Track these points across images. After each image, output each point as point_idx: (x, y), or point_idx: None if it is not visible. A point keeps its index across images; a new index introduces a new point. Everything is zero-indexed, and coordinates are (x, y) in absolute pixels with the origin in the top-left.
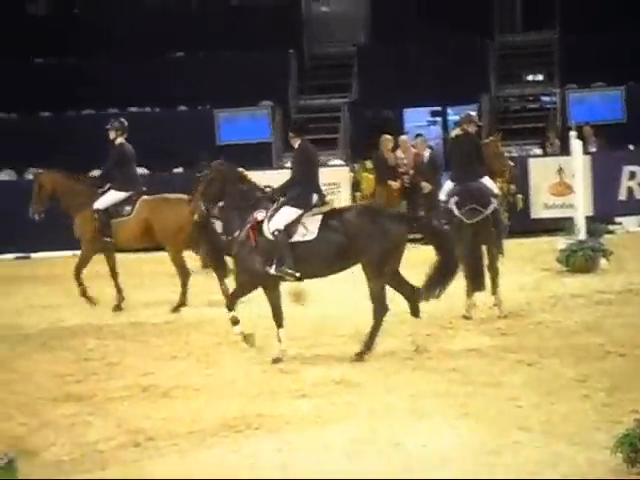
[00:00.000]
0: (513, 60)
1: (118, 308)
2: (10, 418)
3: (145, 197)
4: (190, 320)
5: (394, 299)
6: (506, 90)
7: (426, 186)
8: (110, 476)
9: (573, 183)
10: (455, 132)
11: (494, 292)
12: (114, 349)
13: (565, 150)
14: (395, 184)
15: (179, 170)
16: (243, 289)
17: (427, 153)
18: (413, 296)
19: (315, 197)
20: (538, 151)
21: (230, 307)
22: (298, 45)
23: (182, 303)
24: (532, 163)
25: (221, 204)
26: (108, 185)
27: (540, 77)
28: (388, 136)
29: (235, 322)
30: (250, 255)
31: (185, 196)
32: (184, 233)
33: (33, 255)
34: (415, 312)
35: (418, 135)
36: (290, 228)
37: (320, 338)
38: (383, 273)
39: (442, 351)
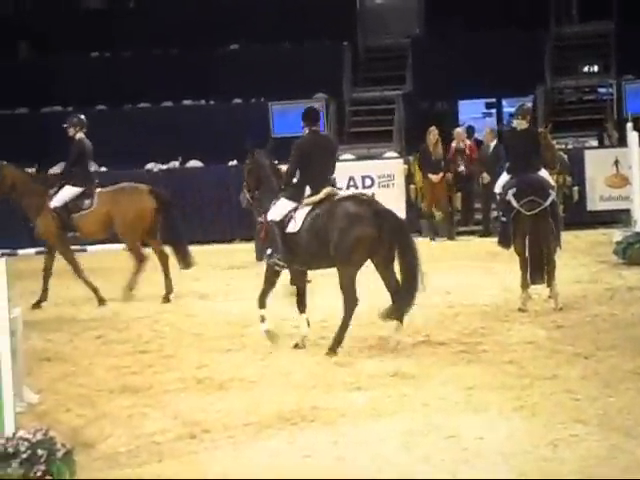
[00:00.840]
0: (569, 51)
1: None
2: (68, 410)
3: (102, 189)
4: (245, 312)
5: (451, 290)
6: (562, 82)
7: (485, 177)
8: (166, 468)
9: (630, 175)
10: (514, 124)
11: (550, 285)
12: (170, 341)
13: (622, 142)
14: (436, 177)
15: (234, 163)
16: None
17: (493, 144)
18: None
19: (307, 189)
20: (594, 143)
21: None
22: (352, 37)
23: (169, 292)
24: (588, 155)
25: (257, 193)
26: (60, 183)
27: (596, 68)
28: (433, 128)
29: (262, 320)
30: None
31: (144, 186)
32: (143, 223)
33: (90, 248)
34: (394, 313)
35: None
36: (285, 220)
37: (375, 330)
38: (350, 262)
39: (498, 344)
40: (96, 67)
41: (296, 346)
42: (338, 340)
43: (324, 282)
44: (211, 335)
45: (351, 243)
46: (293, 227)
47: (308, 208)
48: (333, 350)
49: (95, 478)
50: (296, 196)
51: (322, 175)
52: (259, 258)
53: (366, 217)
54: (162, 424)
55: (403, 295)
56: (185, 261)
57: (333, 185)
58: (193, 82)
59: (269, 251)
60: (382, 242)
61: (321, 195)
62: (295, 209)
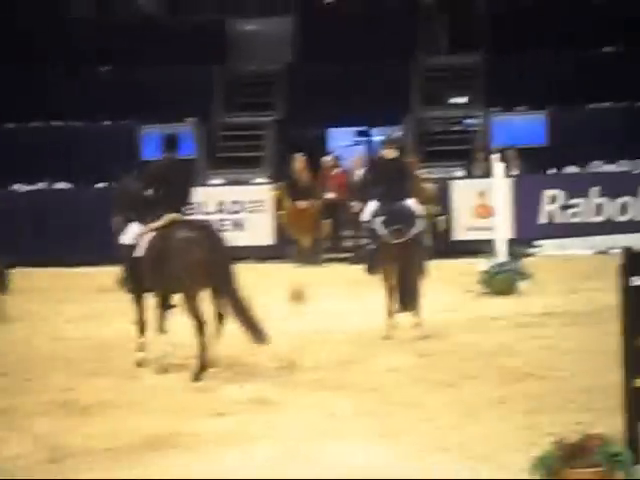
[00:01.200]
0: (437, 82)
1: None
2: None
3: None
4: (111, 337)
5: (317, 317)
6: (430, 112)
7: (356, 205)
8: None
9: (495, 206)
10: (384, 152)
11: (415, 313)
12: (34, 364)
13: (488, 173)
14: (302, 204)
15: (102, 185)
16: None
17: (361, 172)
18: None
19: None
20: (461, 173)
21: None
22: (224, 62)
23: None
24: (454, 185)
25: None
26: None
27: (464, 100)
28: (299, 155)
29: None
30: None
31: None
32: None
33: None
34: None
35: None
36: (135, 244)
37: (240, 355)
38: (186, 288)
39: (362, 371)
40: None
41: (160, 369)
42: (201, 365)
43: None
44: (77, 358)
45: (183, 269)
46: (139, 252)
47: (152, 234)
48: (197, 376)
49: None
50: (146, 220)
51: (172, 201)
52: None
53: (198, 243)
54: (22, 448)
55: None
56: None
57: (183, 212)
58: (62, 103)
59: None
60: (214, 268)
61: (163, 222)
62: (142, 234)
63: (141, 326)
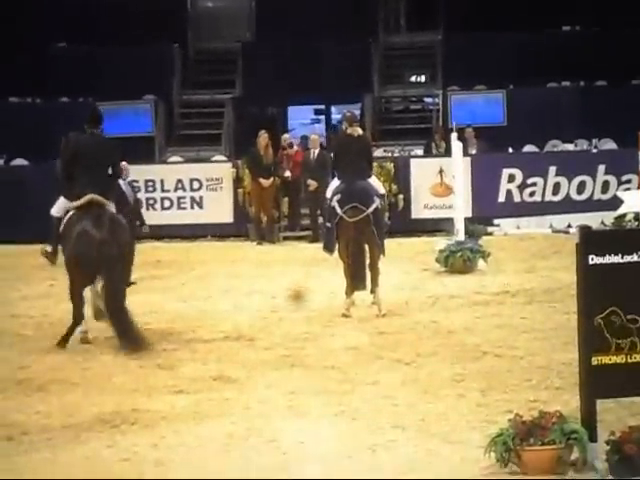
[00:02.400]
0: (396, 60)
1: None
2: None
3: None
4: (66, 313)
5: (276, 295)
6: (389, 90)
7: (312, 184)
8: None
9: (453, 184)
10: (349, 130)
11: (373, 291)
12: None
13: (447, 151)
14: (266, 182)
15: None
16: None
17: (317, 150)
18: None
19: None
20: (420, 151)
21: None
22: (183, 39)
23: None
24: (413, 163)
25: None
26: None
27: (423, 78)
28: (263, 132)
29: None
30: None
31: None
32: None
33: None
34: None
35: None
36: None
37: (199, 334)
38: (70, 273)
39: (321, 349)
40: None
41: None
42: (65, 336)
43: (149, 285)
44: (32, 336)
45: (69, 259)
46: (61, 229)
47: (71, 212)
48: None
49: None
50: (69, 196)
51: (92, 178)
52: None
53: (89, 239)
54: None
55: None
56: None
57: (103, 190)
58: (20, 79)
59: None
60: (102, 266)
61: (82, 202)
62: (67, 212)
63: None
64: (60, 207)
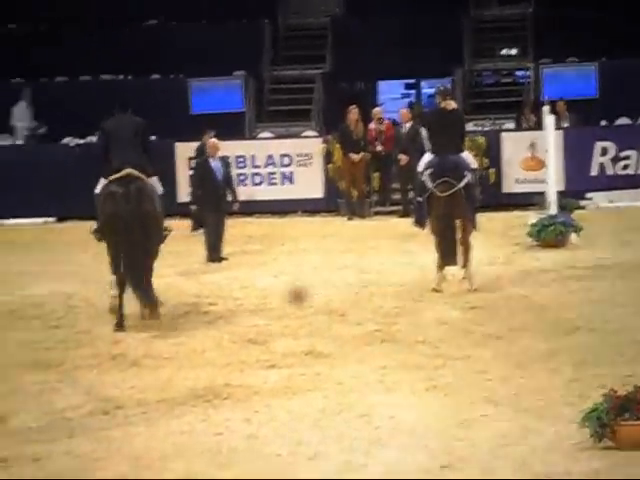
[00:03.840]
0: (487, 34)
1: None
2: None
3: None
4: (160, 289)
5: (367, 270)
6: (480, 64)
7: (403, 158)
8: (77, 444)
9: (545, 158)
10: (442, 104)
11: (465, 266)
12: (84, 317)
13: (538, 125)
14: (355, 157)
15: (152, 138)
16: None
17: (408, 124)
18: None
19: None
20: (511, 125)
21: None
22: (272, 15)
23: None
24: (505, 137)
25: None
26: None
27: (514, 52)
28: (354, 107)
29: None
30: None
31: None
32: None
33: (6, 222)
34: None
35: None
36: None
37: (290, 309)
38: (105, 239)
39: (412, 324)
40: (13, 40)
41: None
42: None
43: (240, 260)
44: (125, 312)
45: (99, 222)
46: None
47: (107, 185)
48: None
49: (4, 454)
50: (106, 174)
51: (123, 155)
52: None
53: (114, 197)
54: (74, 400)
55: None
56: None
57: (138, 164)
58: (111, 57)
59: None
60: (123, 226)
61: (119, 175)
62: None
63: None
64: (100, 186)
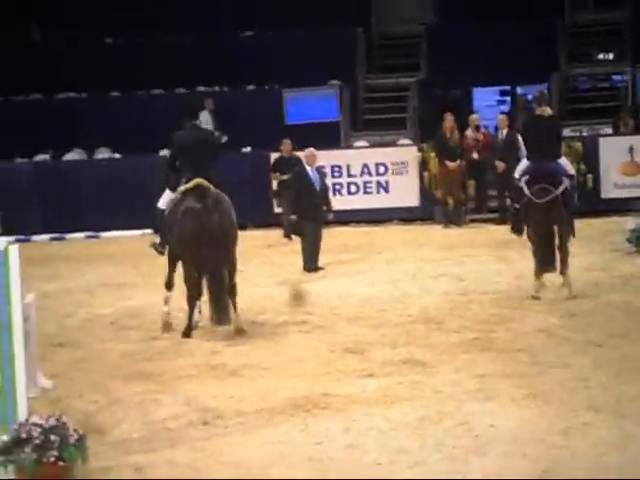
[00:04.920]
0: (584, 39)
1: None
2: (81, 396)
3: None
4: (257, 299)
5: (464, 278)
6: (576, 69)
7: (500, 165)
8: (178, 454)
9: None
10: (537, 111)
11: (563, 272)
12: (183, 328)
13: (637, 129)
14: (452, 164)
15: (247, 149)
16: None
17: (505, 131)
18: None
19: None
20: (608, 130)
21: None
22: (366, 24)
23: None
24: (602, 142)
25: None
26: None
27: (611, 56)
28: (449, 115)
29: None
30: None
31: None
32: None
33: (102, 234)
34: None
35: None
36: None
37: (387, 318)
38: (181, 256)
39: (510, 331)
40: (110, 52)
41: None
42: (187, 328)
43: (337, 270)
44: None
45: (177, 237)
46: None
47: (178, 197)
48: (185, 334)
49: (107, 464)
50: (176, 187)
51: (194, 167)
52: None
53: (194, 213)
54: (174, 410)
55: (211, 308)
56: None
57: (208, 176)
58: (207, 69)
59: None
60: (206, 240)
61: (190, 185)
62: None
63: (168, 282)
64: (166, 199)
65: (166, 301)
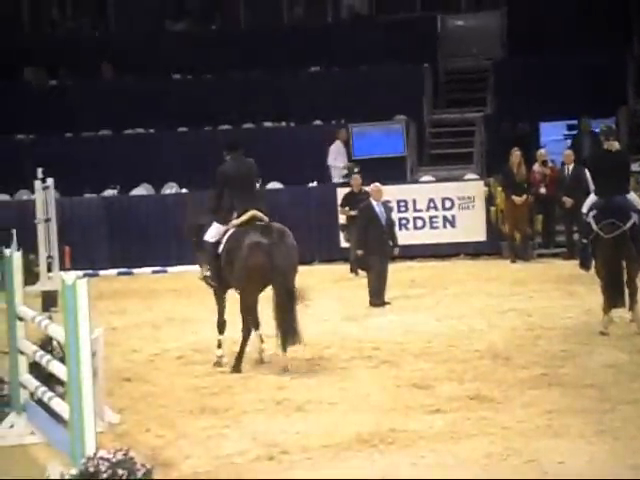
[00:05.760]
0: None
1: None
2: (147, 430)
3: None
4: (323, 334)
5: (532, 313)
6: None
7: (567, 200)
8: None
9: None
10: (605, 145)
11: (632, 308)
12: (248, 363)
13: None
14: (519, 199)
15: (314, 184)
16: None
17: (572, 166)
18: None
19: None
20: None
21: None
22: (433, 59)
23: None
24: None
25: None
26: None
27: None
28: (516, 149)
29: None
30: None
31: None
32: None
33: (170, 269)
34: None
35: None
36: (217, 242)
37: (454, 353)
38: (243, 289)
39: (579, 367)
40: (178, 89)
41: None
42: (238, 359)
43: (403, 305)
44: (289, 357)
45: (242, 271)
46: (221, 249)
47: (232, 230)
48: (236, 368)
49: None
50: (225, 219)
51: (245, 198)
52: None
53: (261, 248)
54: (241, 445)
55: (280, 333)
56: None
57: (258, 207)
58: (273, 104)
59: (207, 272)
60: (275, 274)
61: (245, 217)
62: (225, 232)
63: (220, 324)
64: (214, 232)
65: (220, 345)
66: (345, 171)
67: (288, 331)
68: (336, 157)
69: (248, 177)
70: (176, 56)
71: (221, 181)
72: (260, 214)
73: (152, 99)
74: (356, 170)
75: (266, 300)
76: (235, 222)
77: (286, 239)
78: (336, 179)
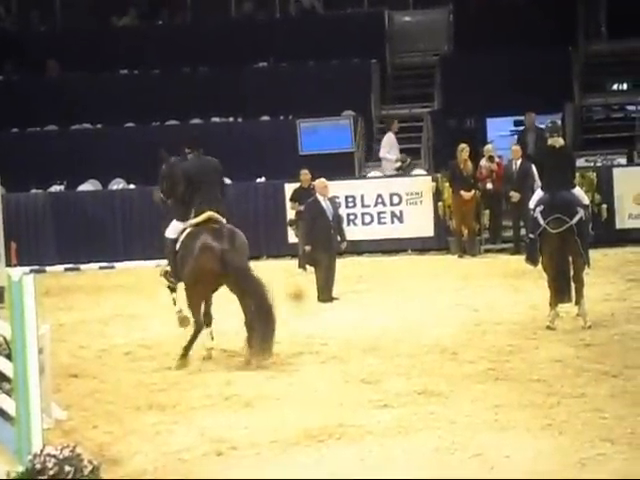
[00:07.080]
0: (598, 69)
1: None
2: (95, 426)
3: None
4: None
5: (479, 308)
6: (590, 99)
7: (514, 195)
8: None
9: None
10: (550, 141)
11: (578, 303)
12: (196, 358)
13: None
14: (467, 194)
15: (262, 180)
16: None
17: (519, 161)
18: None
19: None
20: (622, 160)
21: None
22: (380, 55)
23: None
24: (616, 173)
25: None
26: None
27: (625, 86)
28: (464, 145)
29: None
30: None
31: None
32: None
33: (117, 265)
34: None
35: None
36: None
37: (402, 348)
38: (190, 288)
39: (525, 362)
40: (125, 85)
41: (204, 358)
42: (183, 354)
43: (351, 300)
44: (237, 352)
45: (190, 272)
46: (177, 247)
47: (188, 229)
48: (181, 363)
49: None
50: (184, 217)
51: (206, 198)
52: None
53: (212, 251)
54: (189, 441)
55: (256, 335)
56: None
57: (217, 207)
58: (221, 100)
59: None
60: (225, 276)
61: (200, 218)
62: (183, 230)
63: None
64: (175, 229)
65: (175, 301)
66: (398, 163)
67: (261, 346)
68: (389, 150)
69: (212, 176)
70: (122, 52)
71: (171, 178)
72: (217, 215)
73: (99, 94)
74: (408, 161)
75: (229, 299)
76: (192, 222)
77: (236, 242)
78: (388, 171)
